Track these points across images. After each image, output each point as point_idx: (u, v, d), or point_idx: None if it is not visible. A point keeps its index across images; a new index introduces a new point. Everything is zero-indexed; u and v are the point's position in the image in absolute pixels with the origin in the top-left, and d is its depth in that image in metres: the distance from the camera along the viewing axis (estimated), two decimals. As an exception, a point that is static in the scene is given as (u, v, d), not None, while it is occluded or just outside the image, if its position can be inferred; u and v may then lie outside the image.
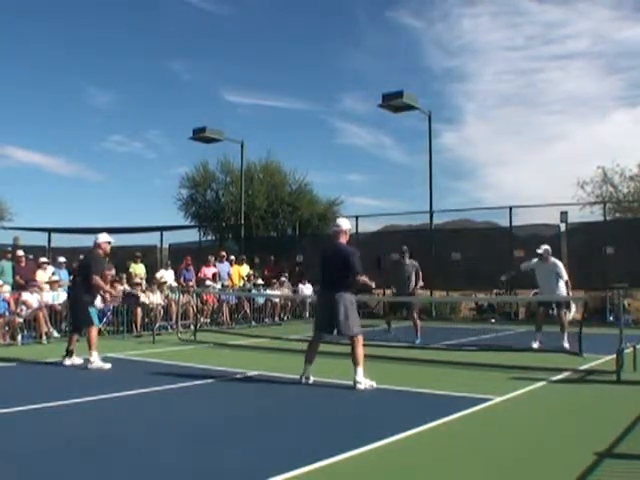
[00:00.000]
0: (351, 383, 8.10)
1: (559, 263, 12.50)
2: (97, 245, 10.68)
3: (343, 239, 8.71)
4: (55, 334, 14.17)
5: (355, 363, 8.20)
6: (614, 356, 8.94)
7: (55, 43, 63.95)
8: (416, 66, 64.62)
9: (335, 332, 8.44)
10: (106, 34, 64.96)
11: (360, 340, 8.31)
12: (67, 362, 10.27)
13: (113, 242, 11.02)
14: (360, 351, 8.26)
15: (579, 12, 64.70)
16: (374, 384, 8.12)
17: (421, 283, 14.15)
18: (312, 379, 8.44)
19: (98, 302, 15.52)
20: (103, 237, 10.78)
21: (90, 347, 10.07)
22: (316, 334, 8.72)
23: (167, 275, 18.57)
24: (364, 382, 8.11)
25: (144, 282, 17.46)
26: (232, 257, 20.77)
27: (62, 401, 7.21)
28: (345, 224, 8.84)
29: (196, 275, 19.27)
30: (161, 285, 17.51)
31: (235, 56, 67.33)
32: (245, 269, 20.78)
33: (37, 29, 62.79)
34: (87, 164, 73.35)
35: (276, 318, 20.02)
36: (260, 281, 20.31)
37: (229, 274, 19.95)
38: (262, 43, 67.32)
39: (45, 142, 67.59)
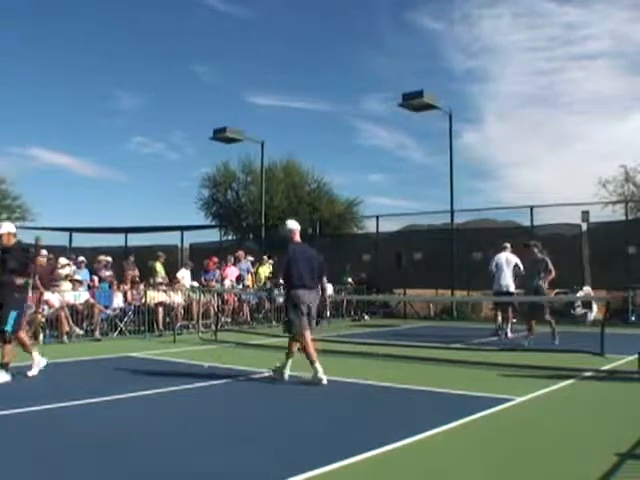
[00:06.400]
0: (371, 382, 8.13)
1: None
2: None
3: (299, 238, 9.06)
4: (78, 331, 14.29)
5: (314, 359, 8.44)
6: (636, 356, 8.86)
7: (83, 46, 64.47)
8: (436, 67, 64.33)
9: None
10: (132, 38, 65.34)
11: None
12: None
13: (14, 231, 9.24)
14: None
15: (599, 13, 64.13)
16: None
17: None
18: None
19: (120, 301, 15.72)
20: (6, 227, 9.18)
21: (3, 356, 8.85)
22: (306, 334, 8.69)
23: (187, 275, 18.66)
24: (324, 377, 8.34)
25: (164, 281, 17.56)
26: (250, 257, 20.74)
27: (76, 401, 7.23)
28: (297, 224, 9.20)
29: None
30: (179, 284, 17.61)
31: (257, 58, 67.49)
32: (267, 269, 20.72)
33: (65, 32, 63.29)
34: (111, 165, 73.83)
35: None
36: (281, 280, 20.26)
37: (250, 272, 19.98)
38: (283, 45, 67.35)
39: (71, 144, 68.04)
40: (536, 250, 13.36)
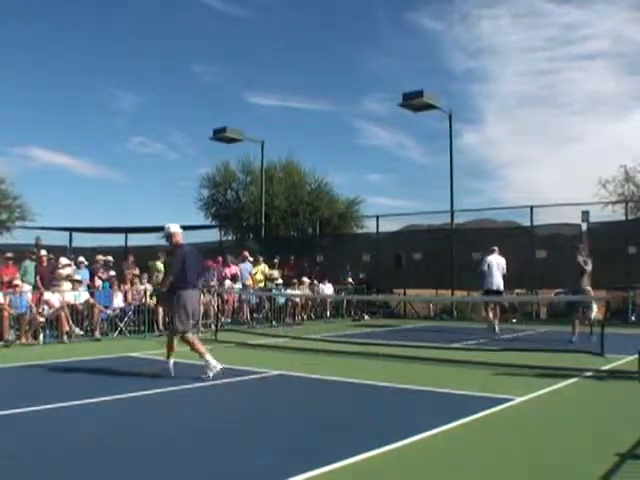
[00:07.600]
0: (371, 382, 8.14)
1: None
2: None
3: (182, 240, 9.32)
4: (78, 331, 14.29)
5: (204, 352, 8.97)
6: (636, 356, 8.85)
7: (82, 46, 64.56)
8: (436, 67, 64.55)
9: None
10: (131, 38, 65.41)
11: None
12: None
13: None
14: None
15: (599, 13, 64.32)
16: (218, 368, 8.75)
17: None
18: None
19: (120, 301, 15.72)
20: None
21: None
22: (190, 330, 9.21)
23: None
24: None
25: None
26: (250, 258, 20.69)
27: (76, 401, 7.21)
28: (179, 227, 9.32)
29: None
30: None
31: (257, 58, 67.66)
32: (263, 269, 20.65)
33: (65, 32, 63.33)
34: (111, 165, 73.89)
35: (297, 318, 20.02)
36: (280, 280, 20.31)
37: (250, 273, 19.97)
38: (283, 45, 67.58)
39: (71, 144, 68.13)
40: (581, 254, 13.78)
